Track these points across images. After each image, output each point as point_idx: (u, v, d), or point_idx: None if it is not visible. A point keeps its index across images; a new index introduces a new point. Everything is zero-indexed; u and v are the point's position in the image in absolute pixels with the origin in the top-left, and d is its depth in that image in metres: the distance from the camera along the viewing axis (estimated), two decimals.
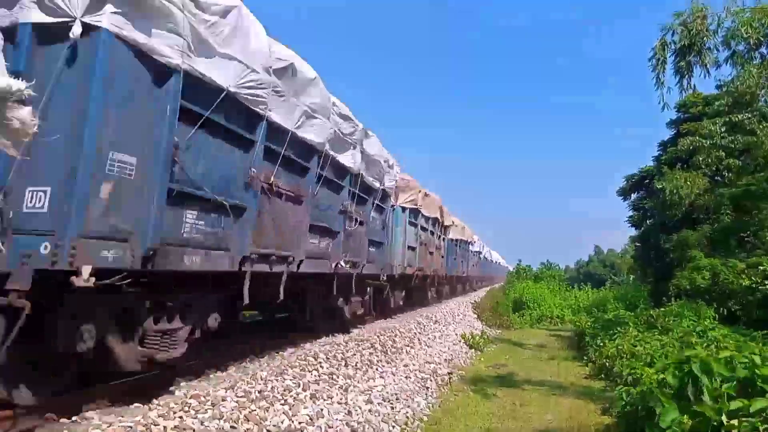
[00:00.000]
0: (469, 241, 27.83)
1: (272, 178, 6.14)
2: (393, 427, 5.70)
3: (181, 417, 4.27)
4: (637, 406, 5.08)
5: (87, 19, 3.73)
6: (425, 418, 6.39)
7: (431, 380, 8.15)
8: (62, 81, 3.77)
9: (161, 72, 4.27)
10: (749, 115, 16.27)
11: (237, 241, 5.53)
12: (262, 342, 8.00)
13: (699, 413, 3.89)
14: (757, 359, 4.24)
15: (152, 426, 3.99)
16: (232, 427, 4.36)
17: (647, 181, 20.75)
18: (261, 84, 5.56)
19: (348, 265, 8.98)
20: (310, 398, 5.54)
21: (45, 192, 3.70)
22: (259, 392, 5.24)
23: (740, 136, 16.63)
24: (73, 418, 4.15)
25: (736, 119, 16.79)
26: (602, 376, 9.43)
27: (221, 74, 4.92)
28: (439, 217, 17.91)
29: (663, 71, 9.07)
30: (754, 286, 11.97)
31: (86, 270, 3.62)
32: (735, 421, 3.73)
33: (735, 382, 4.12)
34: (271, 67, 5.78)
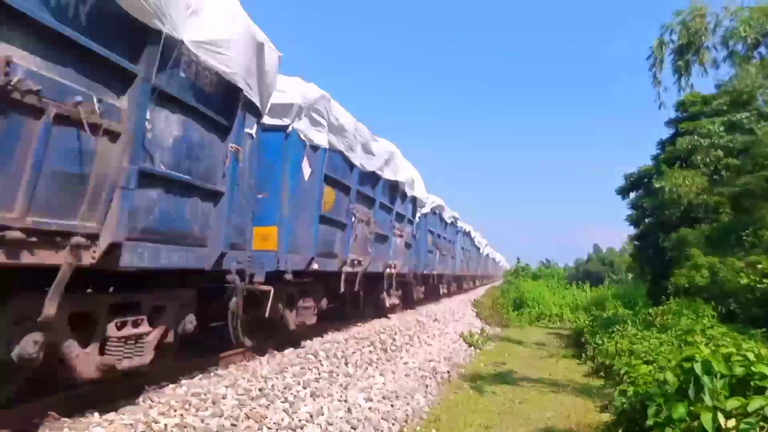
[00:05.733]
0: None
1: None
2: (393, 424, 5.72)
3: (181, 415, 4.29)
4: (636, 404, 5.10)
5: None
6: (425, 416, 6.42)
7: (431, 378, 8.18)
8: None
9: None
10: (748, 115, 16.38)
11: None
12: None
13: (695, 414, 3.89)
14: (752, 356, 4.24)
15: (153, 424, 4.01)
16: (232, 424, 4.39)
17: (646, 179, 20.83)
18: None
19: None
20: (311, 396, 5.57)
21: None
22: (260, 390, 5.26)
23: (739, 136, 16.70)
24: (74, 416, 4.17)
25: (735, 118, 16.88)
26: (601, 374, 9.46)
27: None
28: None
29: (660, 70, 9.18)
30: (752, 284, 11.99)
31: None
32: (732, 422, 3.71)
33: (731, 380, 4.13)
34: None
